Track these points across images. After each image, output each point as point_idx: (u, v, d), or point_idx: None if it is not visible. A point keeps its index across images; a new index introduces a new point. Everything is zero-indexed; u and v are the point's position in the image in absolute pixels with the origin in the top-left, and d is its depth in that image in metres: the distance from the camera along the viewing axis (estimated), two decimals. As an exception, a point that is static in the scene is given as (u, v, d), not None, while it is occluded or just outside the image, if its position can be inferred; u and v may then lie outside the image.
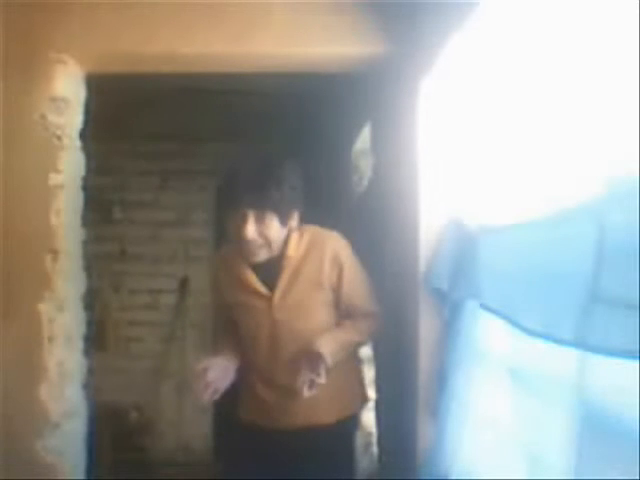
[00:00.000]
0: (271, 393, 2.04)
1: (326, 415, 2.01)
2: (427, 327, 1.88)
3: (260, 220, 1.89)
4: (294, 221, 1.99)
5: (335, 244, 2.02)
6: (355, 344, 2.08)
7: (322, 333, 1.97)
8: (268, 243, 1.92)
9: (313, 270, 1.99)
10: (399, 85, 2.11)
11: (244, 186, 1.89)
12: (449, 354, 1.75)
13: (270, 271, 1.99)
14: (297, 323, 1.99)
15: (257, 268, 2.00)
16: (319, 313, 2.02)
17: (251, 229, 1.88)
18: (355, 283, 2.03)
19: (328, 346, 1.90)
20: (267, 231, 1.90)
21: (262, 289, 2.00)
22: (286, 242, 1.99)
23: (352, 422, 2.10)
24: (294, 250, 2.00)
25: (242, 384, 2.11)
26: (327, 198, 2.21)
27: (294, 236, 2.01)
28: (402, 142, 2.09)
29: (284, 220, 1.94)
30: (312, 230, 2.05)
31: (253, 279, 2.01)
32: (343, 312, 2.05)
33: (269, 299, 2.00)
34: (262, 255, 1.95)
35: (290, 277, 1.99)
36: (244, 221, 1.88)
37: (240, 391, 2.14)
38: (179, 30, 2.03)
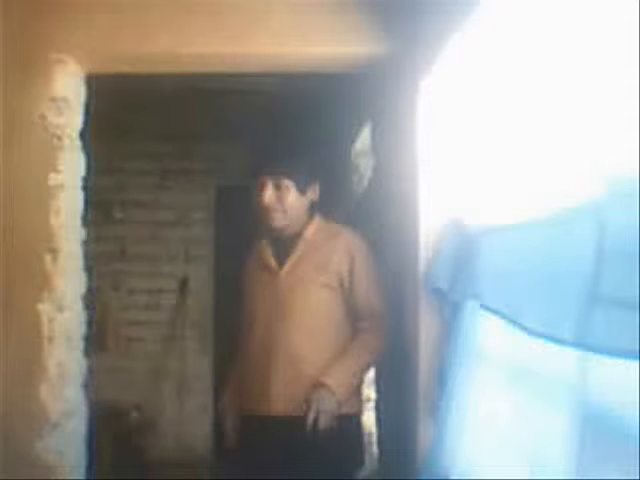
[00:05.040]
0: (263, 379, 2.05)
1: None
2: (427, 327, 1.88)
3: (277, 187, 2.06)
4: (314, 193, 2.14)
5: (350, 238, 2.13)
6: (366, 366, 2.13)
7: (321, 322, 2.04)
8: (285, 209, 2.07)
9: (324, 255, 2.09)
10: (399, 85, 2.11)
11: (264, 156, 2.10)
12: (449, 354, 1.75)
13: (285, 248, 2.11)
14: (297, 302, 2.05)
15: (275, 245, 2.14)
16: (321, 296, 2.07)
17: (268, 195, 2.05)
18: (365, 278, 2.09)
19: (338, 378, 1.98)
20: (284, 198, 2.06)
21: (273, 263, 2.12)
22: (308, 223, 2.13)
23: (350, 422, 2.10)
24: (312, 234, 2.12)
25: (238, 378, 2.17)
26: (326, 198, 2.21)
27: (315, 221, 2.14)
28: (402, 142, 2.09)
29: (302, 189, 2.09)
30: (333, 224, 2.19)
31: (267, 251, 2.14)
32: (351, 309, 2.10)
33: (276, 273, 2.09)
34: (279, 221, 2.08)
35: (301, 256, 2.10)
36: (263, 188, 2.05)
37: (234, 386, 2.20)
38: (179, 30, 2.02)
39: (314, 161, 2.18)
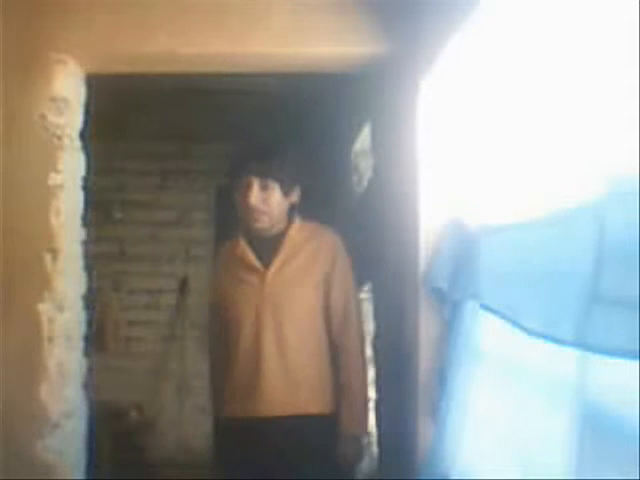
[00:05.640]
0: (252, 379, 2.05)
1: (307, 405, 2.05)
2: (427, 327, 1.88)
3: (263, 188, 2.04)
4: (295, 196, 2.13)
5: (332, 238, 2.15)
6: (365, 372, 2.14)
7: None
8: (270, 211, 2.06)
9: (309, 255, 2.10)
10: (399, 85, 2.11)
11: (251, 156, 2.08)
12: (449, 354, 1.75)
13: (268, 249, 2.11)
14: (286, 302, 2.05)
15: (255, 245, 2.13)
16: (309, 295, 2.09)
17: (255, 196, 2.03)
18: (344, 279, 2.12)
19: (357, 420, 2.10)
20: (269, 199, 2.05)
21: (257, 264, 2.11)
22: (289, 224, 2.13)
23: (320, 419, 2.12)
24: (295, 234, 2.12)
25: (223, 380, 2.18)
26: (327, 198, 2.21)
27: (297, 220, 2.14)
28: (402, 142, 2.09)
29: (286, 191, 2.08)
30: (313, 224, 2.19)
31: (250, 254, 2.12)
32: (326, 309, 2.11)
33: (262, 275, 2.08)
34: (263, 222, 2.08)
35: (287, 256, 2.10)
36: (249, 188, 2.04)
37: (221, 388, 2.20)
38: (179, 30, 2.03)
39: (300, 164, 2.18)
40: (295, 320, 2.06)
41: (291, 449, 2.01)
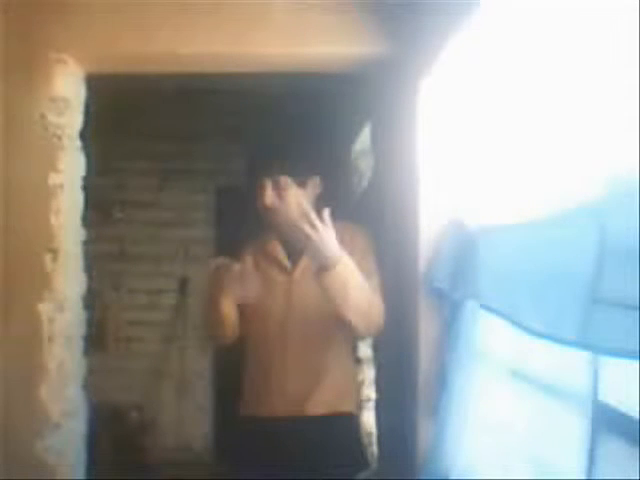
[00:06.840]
0: (278, 378, 2.04)
1: (317, 407, 2.03)
2: (427, 327, 1.88)
3: (276, 186, 2.01)
4: (315, 186, 2.09)
5: (359, 237, 2.09)
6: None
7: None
8: (288, 206, 2.01)
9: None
10: (399, 85, 2.11)
11: (259, 158, 2.07)
12: (449, 354, 1.75)
13: (295, 247, 2.05)
14: (310, 300, 2.02)
15: (283, 243, 2.11)
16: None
17: (269, 195, 2.01)
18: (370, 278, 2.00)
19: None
20: (285, 195, 2.01)
21: (286, 262, 2.10)
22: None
23: (347, 419, 2.10)
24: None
25: (244, 378, 2.15)
26: (326, 198, 2.22)
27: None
28: (402, 142, 2.09)
29: (302, 183, 2.04)
30: (339, 223, 2.00)
31: (278, 250, 2.11)
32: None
33: (290, 273, 2.07)
34: (282, 217, 2.02)
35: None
36: (262, 190, 2.02)
37: (241, 386, 2.16)
38: (179, 30, 2.03)
39: (311, 154, 2.15)
40: (320, 319, 2.04)
41: (318, 448, 2.00)
